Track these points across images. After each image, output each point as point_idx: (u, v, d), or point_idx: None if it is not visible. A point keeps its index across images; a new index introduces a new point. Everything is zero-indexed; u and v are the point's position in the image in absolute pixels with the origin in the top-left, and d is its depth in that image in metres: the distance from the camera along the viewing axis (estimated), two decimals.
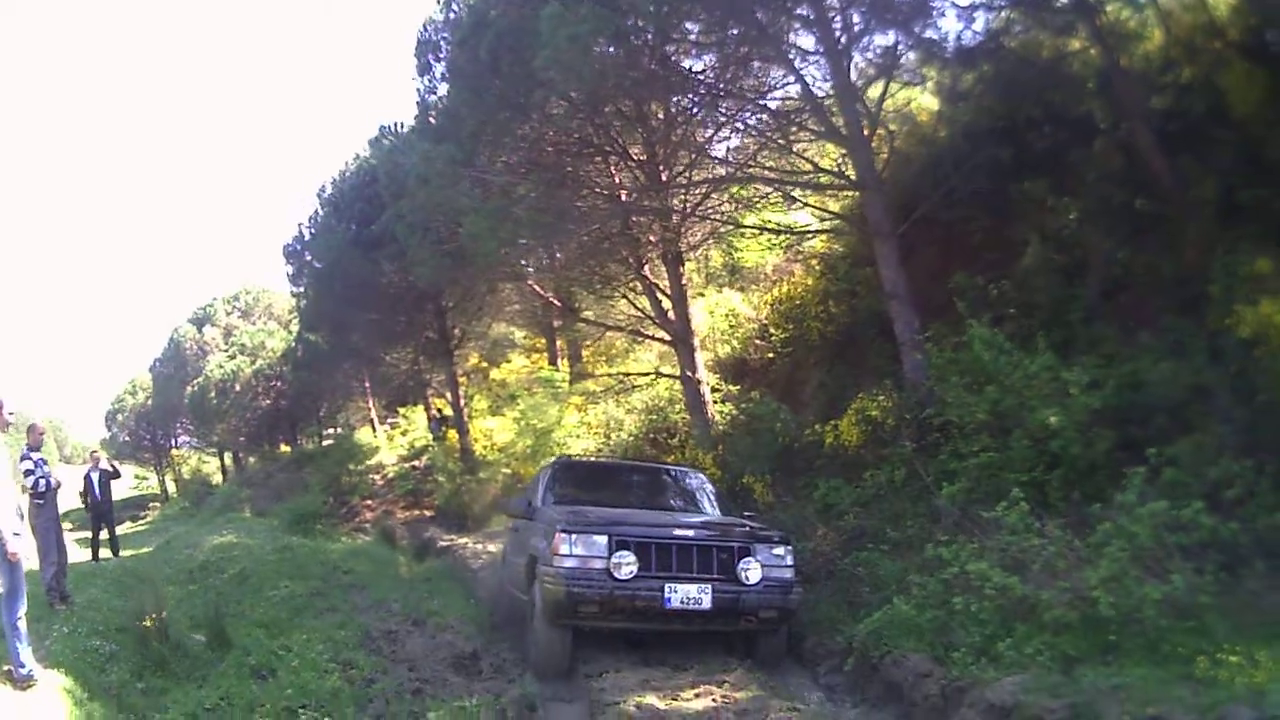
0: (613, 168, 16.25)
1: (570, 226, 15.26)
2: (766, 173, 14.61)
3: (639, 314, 18.36)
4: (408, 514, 26.63)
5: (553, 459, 12.81)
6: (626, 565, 8.17)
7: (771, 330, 17.36)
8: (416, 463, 31.26)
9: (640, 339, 19.99)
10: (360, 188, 26.34)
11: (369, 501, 29.66)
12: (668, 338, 17.06)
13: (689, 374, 16.33)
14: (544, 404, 20.81)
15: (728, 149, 16.11)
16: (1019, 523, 7.52)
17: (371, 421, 40.62)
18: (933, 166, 12.42)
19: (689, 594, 8.21)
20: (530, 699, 7.49)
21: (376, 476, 32.88)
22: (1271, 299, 8.29)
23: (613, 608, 8.15)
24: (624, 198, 16.03)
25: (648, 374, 19.46)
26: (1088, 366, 9.21)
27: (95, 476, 18.02)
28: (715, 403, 16.58)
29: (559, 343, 27.22)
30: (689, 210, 16.02)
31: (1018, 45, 11.64)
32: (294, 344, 36.92)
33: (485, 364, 31.25)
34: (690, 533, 8.68)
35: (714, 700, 7.20)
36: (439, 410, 31.52)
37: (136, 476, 58.34)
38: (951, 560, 7.74)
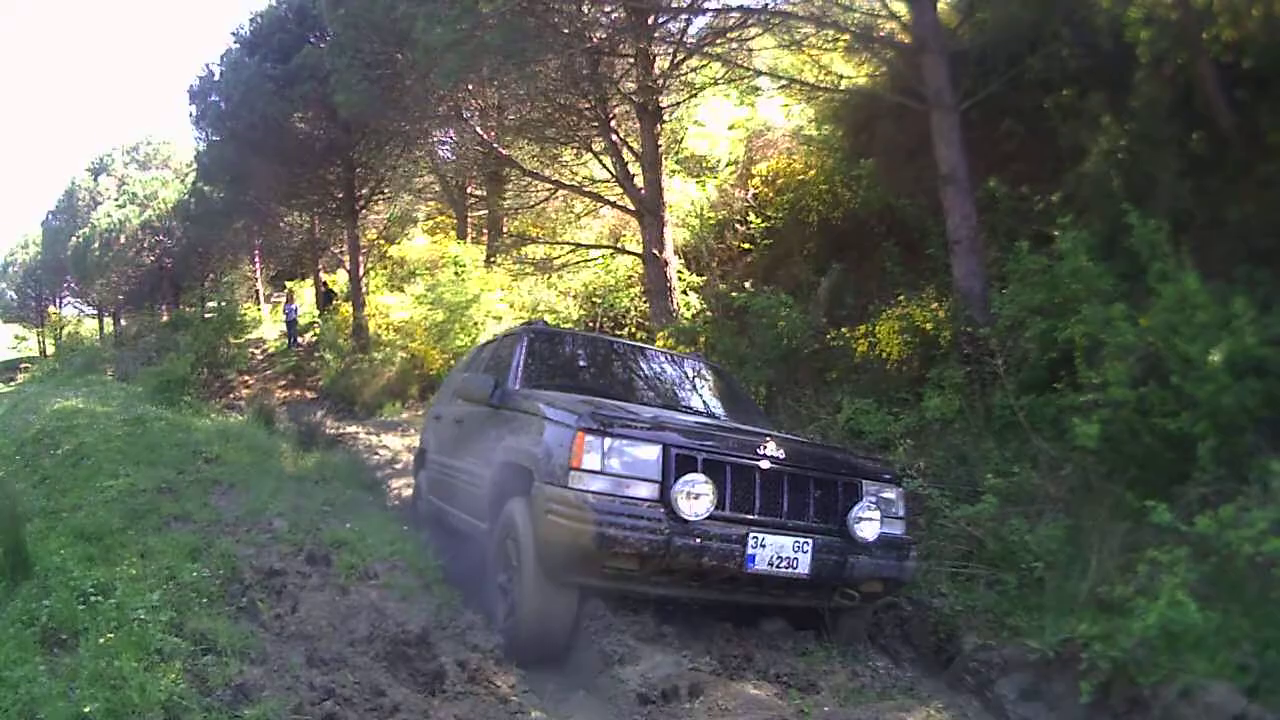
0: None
1: (546, 52, 11.60)
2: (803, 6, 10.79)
3: (593, 178, 14.67)
4: (288, 393, 22.62)
5: (518, 326, 8.59)
6: (699, 497, 4.53)
7: (752, 216, 13.80)
8: (300, 339, 27.45)
9: (592, 206, 16.36)
10: (282, 20, 21.71)
11: (246, 377, 25.60)
12: (631, 207, 13.33)
13: (655, 253, 12.70)
14: (462, 277, 16.98)
15: None
16: None
17: (257, 294, 36.62)
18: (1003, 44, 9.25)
19: (782, 550, 4.66)
20: None
21: (256, 351, 28.94)
22: None
23: (665, 564, 4.49)
24: (595, 39, 12.24)
25: (605, 247, 15.57)
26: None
27: None
28: (682, 291, 13.06)
29: (470, 218, 23.08)
30: (687, 46, 12.29)
31: None
32: (187, 196, 32.15)
33: (383, 241, 27.46)
34: (781, 453, 4.98)
35: None
36: (327, 284, 28.22)
37: (16, 337, 52.67)
38: (1212, 533, 4.34)
